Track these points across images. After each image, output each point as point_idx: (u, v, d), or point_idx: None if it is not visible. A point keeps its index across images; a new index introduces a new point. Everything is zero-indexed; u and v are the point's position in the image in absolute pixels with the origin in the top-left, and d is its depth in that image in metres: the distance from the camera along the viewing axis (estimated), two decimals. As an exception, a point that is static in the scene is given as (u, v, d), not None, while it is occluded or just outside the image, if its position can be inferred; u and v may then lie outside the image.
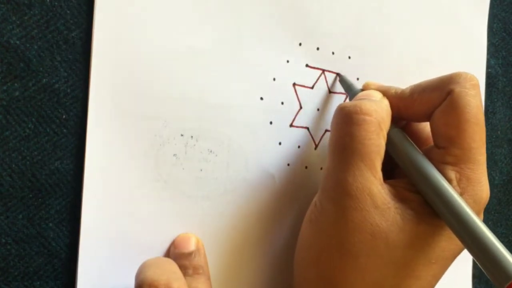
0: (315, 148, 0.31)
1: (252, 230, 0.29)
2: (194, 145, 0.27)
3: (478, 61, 0.39)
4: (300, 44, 0.30)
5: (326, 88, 0.31)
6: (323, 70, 0.31)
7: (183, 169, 0.26)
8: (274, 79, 0.29)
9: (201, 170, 0.27)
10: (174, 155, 0.26)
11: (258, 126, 0.29)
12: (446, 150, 0.25)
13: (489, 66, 0.40)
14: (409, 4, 0.34)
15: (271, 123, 0.29)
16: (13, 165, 0.23)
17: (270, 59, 0.29)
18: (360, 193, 0.24)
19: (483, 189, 0.25)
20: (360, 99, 0.27)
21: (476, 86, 0.25)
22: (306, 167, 0.30)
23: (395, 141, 0.26)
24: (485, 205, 0.25)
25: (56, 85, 0.24)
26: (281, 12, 0.29)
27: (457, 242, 0.25)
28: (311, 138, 0.31)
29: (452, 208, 0.23)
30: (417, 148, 0.26)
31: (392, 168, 0.28)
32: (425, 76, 0.35)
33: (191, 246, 0.26)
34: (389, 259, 0.24)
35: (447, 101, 0.25)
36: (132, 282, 0.24)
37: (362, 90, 0.29)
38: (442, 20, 0.36)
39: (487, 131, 0.40)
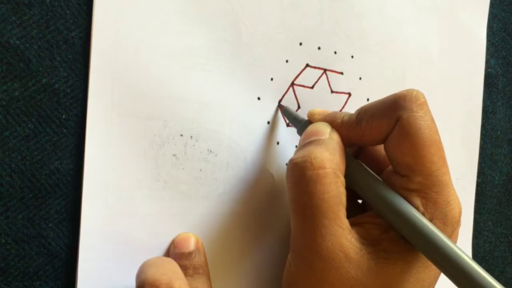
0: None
1: (251, 230, 0.29)
2: (194, 145, 0.27)
3: (477, 61, 0.39)
4: (300, 44, 0.30)
5: (328, 88, 0.31)
6: (325, 70, 0.31)
7: (183, 169, 0.26)
8: (272, 79, 0.29)
9: (200, 170, 0.27)
10: (173, 155, 0.26)
11: (256, 126, 0.29)
12: (408, 178, 0.24)
13: (489, 66, 0.40)
14: (410, 4, 0.34)
15: (268, 122, 0.29)
16: (13, 165, 0.23)
17: (269, 59, 0.29)
18: (331, 252, 0.23)
19: (453, 208, 0.24)
20: (309, 141, 0.26)
21: (423, 104, 0.24)
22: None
23: (356, 178, 0.25)
24: (459, 221, 0.25)
25: (56, 85, 0.24)
26: (281, 11, 0.29)
27: (432, 268, 0.25)
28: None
29: (425, 239, 0.23)
30: (379, 178, 0.25)
31: (353, 198, 0.27)
32: (426, 76, 0.35)
33: (191, 246, 0.26)
34: None
35: (397, 129, 0.24)
36: (132, 282, 0.24)
37: (308, 120, 0.28)
38: (442, 20, 0.36)
39: (487, 131, 0.40)
